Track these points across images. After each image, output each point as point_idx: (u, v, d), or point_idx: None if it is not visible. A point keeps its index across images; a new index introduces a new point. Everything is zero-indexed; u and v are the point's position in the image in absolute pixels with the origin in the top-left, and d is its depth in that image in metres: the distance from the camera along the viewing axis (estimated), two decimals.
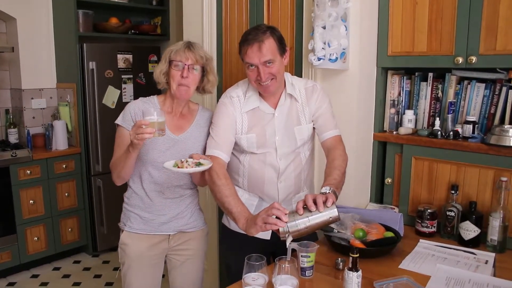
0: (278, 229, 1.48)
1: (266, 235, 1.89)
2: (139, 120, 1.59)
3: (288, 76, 1.89)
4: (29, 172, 3.60)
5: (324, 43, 2.01)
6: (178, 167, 1.65)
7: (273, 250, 1.94)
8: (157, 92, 1.97)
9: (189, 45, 1.82)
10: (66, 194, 3.86)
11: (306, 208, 1.50)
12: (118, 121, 1.86)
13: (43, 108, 4.08)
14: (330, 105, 1.91)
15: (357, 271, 1.42)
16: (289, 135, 1.86)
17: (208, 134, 1.88)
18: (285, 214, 1.47)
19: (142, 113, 1.77)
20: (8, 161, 3.47)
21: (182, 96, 1.83)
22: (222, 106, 1.87)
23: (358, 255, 1.43)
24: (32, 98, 3.98)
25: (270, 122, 1.85)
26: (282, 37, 1.77)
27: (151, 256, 1.94)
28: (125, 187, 1.96)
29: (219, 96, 2.63)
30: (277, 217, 1.47)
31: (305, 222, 1.49)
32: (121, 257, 1.96)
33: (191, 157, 1.73)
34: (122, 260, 1.95)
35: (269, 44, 1.70)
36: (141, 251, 1.92)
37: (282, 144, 1.85)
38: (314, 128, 1.91)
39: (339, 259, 1.69)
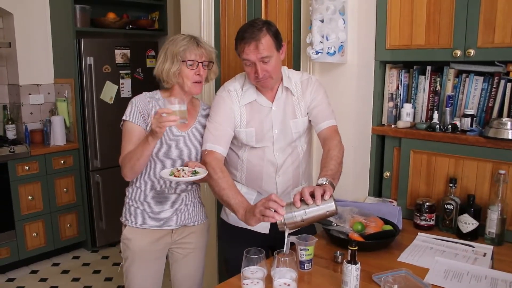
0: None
1: (264, 229, 1.90)
2: (160, 109, 1.58)
3: (285, 70, 1.89)
4: (27, 168, 3.59)
5: (322, 37, 2.01)
6: (175, 176, 1.68)
7: (271, 244, 1.94)
8: (155, 87, 1.96)
9: (197, 41, 1.83)
10: (65, 189, 3.86)
11: (303, 200, 1.50)
12: (125, 116, 1.84)
13: (41, 104, 4.07)
14: (325, 95, 1.91)
15: (355, 263, 1.42)
16: (286, 129, 1.86)
17: None
18: (282, 206, 1.46)
19: (164, 102, 1.78)
20: (6, 157, 3.47)
21: (197, 92, 1.86)
22: (220, 99, 1.87)
23: (356, 247, 1.43)
24: (29, 94, 3.98)
25: (267, 115, 1.85)
26: (278, 32, 1.77)
27: (155, 250, 1.94)
28: (125, 182, 1.95)
29: (217, 86, 2.64)
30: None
31: (301, 215, 1.49)
32: (123, 251, 1.96)
33: (186, 165, 1.76)
34: (125, 255, 1.95)
35: (265, 42, 1.70)
36: (144, 246, 1.92)
37: (279, 138, 1.86)
38: (309, 120, 1.91)
39: (338, 252, 1.69)
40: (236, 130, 1.85)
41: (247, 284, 1.40)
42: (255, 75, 1.74)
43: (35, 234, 3.70)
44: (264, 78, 1.74)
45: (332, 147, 1.78)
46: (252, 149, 1.88)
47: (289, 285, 1.39)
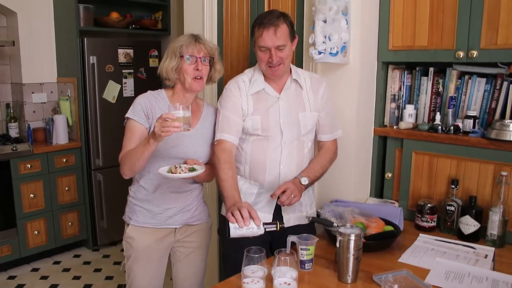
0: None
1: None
2: (165, 113, 1.58)
3: (293, 66, 1.97)
4: (29, 166, 3.60)
5: (325, 37, 2.01)
6: (172, 173, 1.69)
7: (270, 240, 1.95)
8: (158, 87, 1.96)
9: (197, 38, 1.84)
10: (67, 188, 3.87)
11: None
12: (128, 114, 1.85)
13: (44, 103, 4.08)
14: (333, 103, 2.02)
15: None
16: (293, 121, 1.91)
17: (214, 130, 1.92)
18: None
19: (168, 107, 1.78)
20: (8, 155, 3.47)
21: (197, 89, 1.86)
22: (228, 91, 1.93)
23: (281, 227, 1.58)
24: (32, 93, 3.98)
25: (274, 105, 1.90)
26: (293, 24, 1.87)
27: (158, 249, 1.95)
28: (126, 181, 1.95)
29: (219, 88, 2.64)
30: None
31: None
32: (126, 250, 1.95)
33: (185, 162, 1.77)
34: (127, 253, 1.95)
35: (283, 29, 1.79)
36: (148, 245, 1.92)
37: (286, 129, 1.89)
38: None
39: None
40: (243, 118, 1.90)
41: (247, 283, 1.40)
42: (269, 60, 1.81)
43: (36, 232, 3.70)
44: (277, 64, 1.81)
45: (327, 159, 1.96)
46: (256, 141, 1.91)
47: (289, 284, 1.39)
